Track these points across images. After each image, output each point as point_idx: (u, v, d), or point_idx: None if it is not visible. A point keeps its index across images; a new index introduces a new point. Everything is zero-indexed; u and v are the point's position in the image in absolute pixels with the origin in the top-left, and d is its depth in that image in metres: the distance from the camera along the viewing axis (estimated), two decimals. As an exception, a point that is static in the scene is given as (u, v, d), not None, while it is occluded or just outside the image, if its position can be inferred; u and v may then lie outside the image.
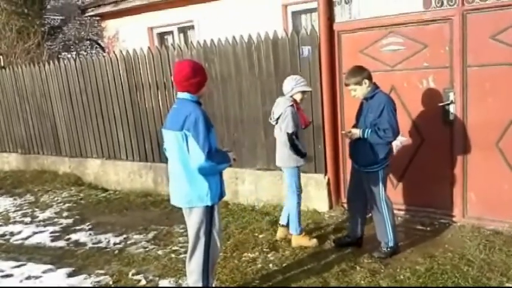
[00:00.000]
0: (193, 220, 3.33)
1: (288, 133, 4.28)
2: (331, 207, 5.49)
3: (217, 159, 3.17)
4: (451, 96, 4.62)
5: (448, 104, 4.66)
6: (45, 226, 5.98)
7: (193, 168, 3.15)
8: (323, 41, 5.13)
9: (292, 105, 4.30)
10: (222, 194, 3.36)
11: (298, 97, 4.35)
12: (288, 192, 4.57)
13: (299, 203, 4.53)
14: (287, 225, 4.69)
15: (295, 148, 4.30)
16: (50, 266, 4.69)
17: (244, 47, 5.72)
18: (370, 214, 4.37)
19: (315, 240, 4.58)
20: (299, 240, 4.58)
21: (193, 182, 3.21)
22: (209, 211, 3.29)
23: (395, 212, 4.38)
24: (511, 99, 4.35)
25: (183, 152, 3.17)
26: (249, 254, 4.48)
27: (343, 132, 4.40)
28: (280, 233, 4.77)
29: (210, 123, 3.19)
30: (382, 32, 4.89)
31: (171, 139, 3.25)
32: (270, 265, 4.26)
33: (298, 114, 4.33)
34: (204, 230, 3.32)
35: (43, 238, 5.54)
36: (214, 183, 3.26)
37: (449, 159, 4.76)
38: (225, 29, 6.44)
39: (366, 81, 4.02)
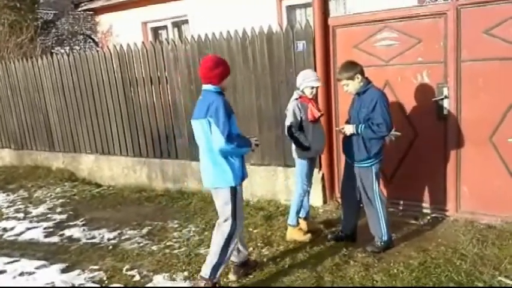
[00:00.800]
0: (220, 200, 3.66)
1: (286, 125, 4.37)
2: (325, 202, 5.50)
3: (237, 143, 3.49)
4: (445, 91, 4.63)
5: (442, 99, 4.67)
6: (38, 222, 5.96)
7: (216, 152, 3.49)
8: (318, 35, 5.12)
9: (297, 99, 4.36)
10: (243, 176, 3.68)
11: (307, 92, 4.36)
12: (295, 183, 4.63)
13: (301, 195, 4.57)
14: (305, 217, 4.74)
15: (294, 140, 4.37)
16: (43, 262, 4.68)
17: (239, 41, 5.70)
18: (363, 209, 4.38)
19: (308, 235, 4.60)
20: (293, 234, 4.61)
21: (218, 165, 3.55)
22: (233, 191, 3.60)
23: (388, 206, 4.39)
24: (504, 94, 4.37)
25: (208, 138, 3.53)
26: (243, 249, 4.48)
27: (337, 128, 4.41)
28: (303, 225, 4.75)
29: (231, 111, 3.54)
30: (377, 27, 4.88)
31: (198, 127, 3.60)
32: (265, 260, 4.26)
33: (308, 108, 4.35)
34: (231, 210, 3.62)
35: (36, 234, 5.52)
36: (236, 166, 3.59)
37: (442, 154, 4.78)
38: (219, 24, 6.41)
39: (359, 76, 4.03)
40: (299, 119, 4.34)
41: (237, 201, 3.63)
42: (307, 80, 4.34)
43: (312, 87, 4.36)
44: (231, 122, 3.47)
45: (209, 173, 3.62)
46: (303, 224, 4.72)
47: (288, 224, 4.65)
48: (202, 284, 3.68)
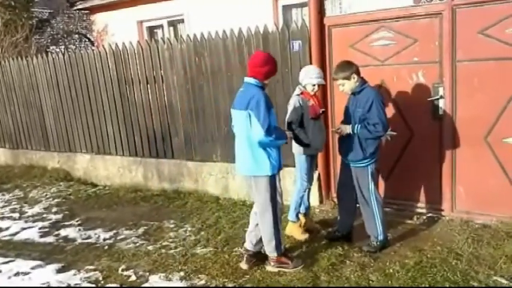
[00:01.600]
0: (259, 188, 3.86)
1: (287, 121, 4.38)
2: (321, 201, 5.50)
3: (275, 135, 3.68)
4: (441, 91, 4.65)
5: (438, 99, 4.68)
6: (34, 222, 5.93)
7: (254, 142, 3.68)
8: (313, 35, 5.12)
9: (299, 95, 4.37)
10: (280, 166, 3.89)
11: (309, 88, 4.37)
12: (295, 179, 4.68)
13: (300, 191, 4.59)
14: (304, 213, 4.76)
15: (294, 137, 4.36)
16: (38, 262, 4.65)
17: (235, 41, 5.70)
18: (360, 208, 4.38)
19: (305, 235, 4.61)
20: (293, 230, 4.65)
21: (256, 155, 3.76)
22: (272, 180, 3.83)
23: (384, 206, 4.40)
24: (499, 94, 4.38)
25: (248, 129, 3.71)
26: (240, 249, 4.47)
27: (333, 129, 4.41)
28: (303, 221, 4.76)
29: (271, 104, 3.72)
30: (373, 27, 4.89)
31: (238, 117, 3.81)
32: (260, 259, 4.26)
33: (309, 104, 4.34)
34: (270, 197, 3.84)
35: (32, 234, 5.50)
36: (273, 157, 3.79)
37: (438, 154, 4.79)
38: (215, 23, 6.40)
39: (354, 75, 4.03)
40: (300, 114, 4.33)
41: (276, 188, 3.87)
42: (309, 76, 4.34)
43: (314, 85, 4.35)
44: (270, 115, 3.66)
45: (247, 161, 3.82)
46: (303, 220, 4.73)
47: (289, 219, 4.68)
48: (274, 260, 4.00)
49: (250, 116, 3.66)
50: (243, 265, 4.11)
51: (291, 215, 4.66)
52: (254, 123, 3.64)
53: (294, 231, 4.65)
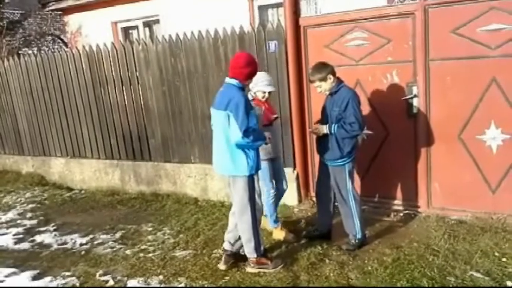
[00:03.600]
0: (237, 188, 3.87)
1: None
2: (300, 201, 5.53)
3: (253, 137, 3.67)
4: (415, 90, 4.71)
5: (412, 98, 4.75)
6: (7, 228, 5.79)
7: (232, 143, 3.70)
8: (289, 35, 5.14)
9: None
10: (258, 167, 3.90)
11: (259, 95, 4.34)
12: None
13: (268, 199, 4.55)
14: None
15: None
16: (13, 270, 4.55)
17: (211, 41, 5.67)
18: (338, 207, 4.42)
19: (291, 235, 4.60)
20: (277, 234, 4.65)
21: (234, 155, 3.76)
22: (250, 180, 3.85)
23: (362, 204, 4.44)
24: (471, 92, 4.47)
25: (226, 129, 3.73)
26: (219, 251, 4.45)
27: (310, 130, 4.42)
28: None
29: (250, 106, 3.74)
30: (347, 27, 4.93)
31: (217, 117, 3.82)
32: (240, 261, 4.25)
33: (261, 110, 4.29)
34: (248, 197, 3.86)
35: (6, 240, 5.37)
36: (251, 157, 3.79)
37: (413, 152, 4.86)
38: (191, 24, 6.37)
39: (330, 76, 4.07)
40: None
41: (254, 188, 3.91)
42: (259, 84, 4.30)
43: (264, 92, 4.33)
44: (250, 117, 3.66)
45: (225, 161, 3.82)
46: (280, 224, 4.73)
47: (270, 227, 4.68)
48: (253, 261, 4.00)
49: (229, 116, 3.67)
50: (221, 266, 4.10)
51: (271, 223, 4.65)
52: (232, 125, 3.65)
53: (279, 235, 4.63)
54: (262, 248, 4.04)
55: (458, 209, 4.72)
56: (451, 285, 3.55)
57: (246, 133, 3.62)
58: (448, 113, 4.61)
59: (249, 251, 3.99)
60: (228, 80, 3.83)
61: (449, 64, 4.52)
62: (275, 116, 4.47)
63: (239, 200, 3.90)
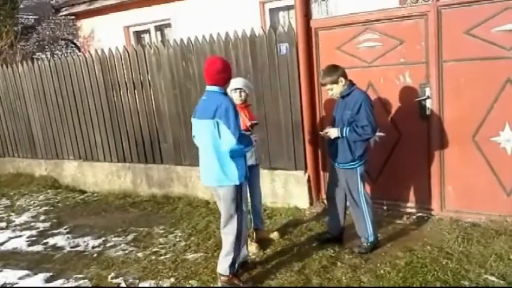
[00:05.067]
0: (226, 198, 3.71)
1: None
2: (311, 203, 5.50)
3: (245, 143, 3.61)
4: (427, 92, 4.67)
5: (425, 99, 4.71)
6: (21, 231, 5.84)
7: (224, 151, 3.58)
8: (300, 38, 5.13)
9: None
10: (247, 174, 3.79)
11: (235, 97, 4.23)
12: None
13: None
14: (256, 229, 4.66)
15: None
16: (27, 272, 4.59)
17: (222, 45, 5.68)
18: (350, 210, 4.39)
19: (255, 245, 4.52)
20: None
21: (224, 164, 3.62)
22: (239, 189, 3.70)
23: (374, 206, 4.41)
24: (485, 93, 4.41)
25: (215, 138, 3.58)
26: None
27: (321, 133, 4.38)
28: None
29: (237, 111, 3.61)
30: (359, 29, 4.90)
31: (202, 127, 3.65)
32: (251, 263, 4.23)
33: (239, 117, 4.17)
34: (235, 206, 3.72)
35: (19, 243, 5.42)
36: (240, 165, 3.68)
37: (426, 154, 4.81)
38: (202, 27, 6.40)
39: (342, 79, 4.04)
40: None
41: (242, 199, 3.75)
42: (230, 88, 4.14)
43: (235, 90, 4.24)
44: (239, 122, 3.60)
45: (214, 171, 3.67)
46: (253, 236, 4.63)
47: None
48: (224, 279, 3.80)
49: (218, 124, 3.52)
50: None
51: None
52: (224, 132, 3.51)
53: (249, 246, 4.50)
54: (237, 266, 3.83)
55: (472, 211, 4.65)
56: (465, 289, 3.51)
57: (239, 139, 3.52)
58: (462, 114, 4.55)
59: (223, 266, 3.78)
60: (210, 87, 3.70)
61: (462, 65, 4.47)
62: (253, 122, 4.33)
63: (227, 210, 3.74)
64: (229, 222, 3.77)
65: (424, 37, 4.59)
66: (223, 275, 3.79)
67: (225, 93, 3.72)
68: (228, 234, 3.78)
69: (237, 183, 3.66)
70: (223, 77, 3.67)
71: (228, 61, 3.87)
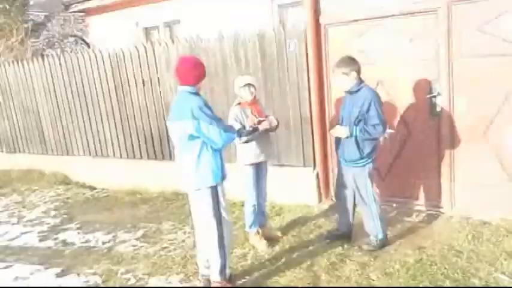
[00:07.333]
0: (200, 203, 3.60)
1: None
2: (320, 200, 5.49)
3: (231, 130, 3.58)
4: (438, 88, 4.64)
5: (435, 96, 4.67)
6: (32, 226, 5.91)
7: (196, 152, 3.47)
8: (310, 34, 5.11)
9: (237, 105, 4.32)
10: (223, 175, 3.62)
11: (244, 94, 4.28)
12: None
13: (249, 208, 4.51)
14: (261, 225, 4.66)
15: (250, 140, 4.26)
16: (38, 267, 4.64)
17: (231, 42, 5.67)
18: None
19: (264, 242, 4.51)
20: (251, 239, 4.59)
21: (199, 164, 3.49)
22: (214, 192, 3.55)
23: (383, 204, 4.39)
24: (496, 90, 4.37)
25: (187, 140, 3.47)
26: (239, 250, 4.47)
27: (331, 131, 4.34)
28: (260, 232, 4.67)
29: (210, 106, 3.56)
30: (369, 25, 4.87)
31: (179, 129, 3.50)
32: (261, 260, 4.25)
33: (248, 114, 4.26)
34: (212, 211, 3.56)
35: (30, 238, 5.48)
36: (218, 164, 3.55)
37: (436, 151, 4.78)
38: (211, 24, 6.37)
39: (354, 73, 4.00)
40: (241, 125, 4.21)
41: (219, 201, 3.59)
42: (238, 83, 4.26)
43: (245, 86, 4.25)
44: (215, 115, 3.53)
45: (190, 174, 3.55)
46: (260, 231, 4.61)
47: (247, 231, 4.64)
48: (219, 285, 3.70)
49: (199, 124, 3.40)
50: None
51: (247, 228, 4.60)
52: (207, 128, 3.41)
53: (254, 242, 4.55)
54: (227, 270, 3.74)
55: (482, 209, 4.61)
56: (475, 287, 3.49)
57: (225, 129, 3.47)
58: (473, 111, 4.51)
59: (214, 274, 3.70)
60: (182, 88, 3.59)
61: (473, 62, 4.42)
62: (259, 119, 4.30)
63: (203, 216, 3.62)
64: (208, 230, 3.61)
65: (434, 33, 4.55)
66: (217, 282, 3.70)
67: (196, 93, 3.59)
68: (209, 242, 3.64)
69: (212, 184, 3.53)
70: (194, 74, 3.56)
71: (200, 59, 3.77)
